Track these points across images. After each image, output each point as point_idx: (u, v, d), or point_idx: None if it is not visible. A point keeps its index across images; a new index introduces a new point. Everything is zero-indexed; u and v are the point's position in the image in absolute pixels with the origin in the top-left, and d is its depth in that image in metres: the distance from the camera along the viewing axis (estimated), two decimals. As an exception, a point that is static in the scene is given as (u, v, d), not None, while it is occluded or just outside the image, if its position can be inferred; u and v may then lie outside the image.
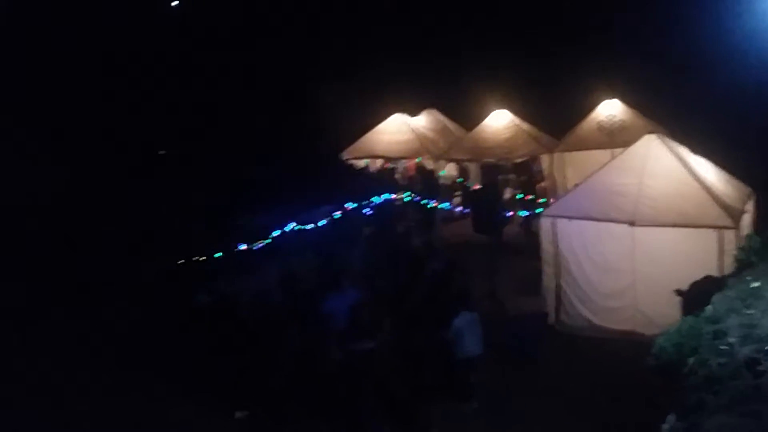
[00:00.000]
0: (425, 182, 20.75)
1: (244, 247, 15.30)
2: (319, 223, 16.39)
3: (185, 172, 19.00)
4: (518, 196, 19.90)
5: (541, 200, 19.06)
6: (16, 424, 9.41)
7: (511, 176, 22.36)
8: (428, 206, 18.75)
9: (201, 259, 14.75)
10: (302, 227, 16.20)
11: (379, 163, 23.18)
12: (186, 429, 9.80)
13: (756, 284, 8.24)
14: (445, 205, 19.62)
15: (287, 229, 15.71)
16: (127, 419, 9.90)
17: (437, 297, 11.27)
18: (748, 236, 11.24)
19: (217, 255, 14.76)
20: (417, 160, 22.73)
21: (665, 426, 6.19)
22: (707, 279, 10.57)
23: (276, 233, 15.51)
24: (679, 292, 10.68)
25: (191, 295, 12.49)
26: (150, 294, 13.16)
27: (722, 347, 6.81)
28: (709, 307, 8.08)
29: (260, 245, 15.37)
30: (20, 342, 11.97)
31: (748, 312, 7.38)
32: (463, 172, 22.23)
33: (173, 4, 33.30)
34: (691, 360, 7.06)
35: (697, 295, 9.79)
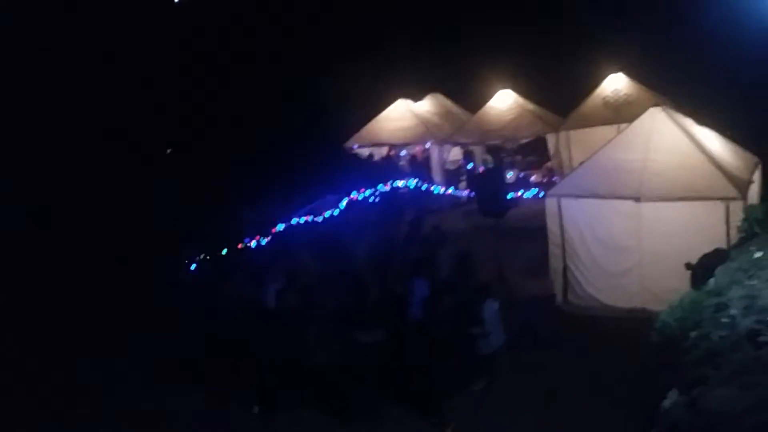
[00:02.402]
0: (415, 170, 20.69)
1: (251, 242, 15.40)
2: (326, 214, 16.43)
3: (190, 168, 19.17)
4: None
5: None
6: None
7: (518, 157, 22.23)
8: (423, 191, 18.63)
9: (215, 254, 14.91)
10: (309, 219, 16.24)
11: (384, 150, 23.03)
12: (208, 422, 10.01)
13: (759, 254, 8.11)
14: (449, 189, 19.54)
15: (292, 221, 15.76)
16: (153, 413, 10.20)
17: (458, 285, 11.21)
18: (751, 207, 11.03)
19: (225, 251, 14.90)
20: (427, 146, 22.51)
21: (667, 402, 6.10)
22: (717, 251, 10.42)
23: (281, 226, 15.57)
24: (688, 266, 10.53)
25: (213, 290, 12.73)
26: (170, 291, 13.40)
27: (724, 320, 6.71)
28: (712, 280, 7.96)
29: (267, 239, 15.45)
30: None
31: (750, 283, 7.27)
32: (469, 155, 22.04)
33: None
34: (693, 334, 6.97)
35: (706, 268, 9.66)
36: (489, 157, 20.93)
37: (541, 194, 15.77)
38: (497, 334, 10.11)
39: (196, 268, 14.92)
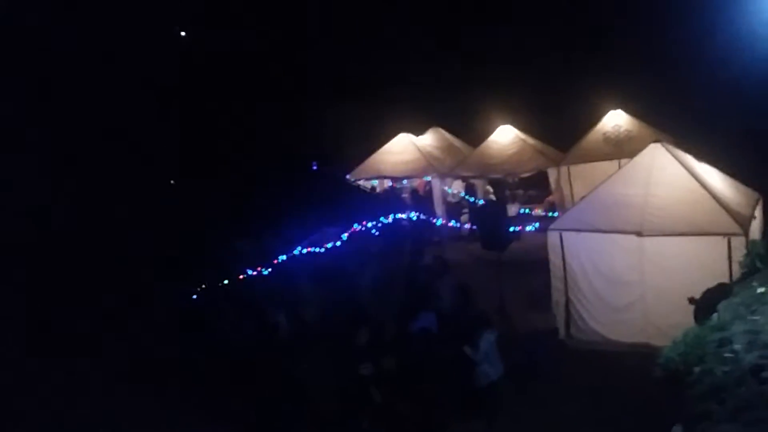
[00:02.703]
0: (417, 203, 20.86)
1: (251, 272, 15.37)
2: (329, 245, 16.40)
3: (193, 198, 19.24)
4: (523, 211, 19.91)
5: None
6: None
7: (519, 191, 22.39)
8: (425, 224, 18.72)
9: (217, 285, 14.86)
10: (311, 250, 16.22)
11: (386, 183, 23.21)
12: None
13: (762, 290, 8.13)
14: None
15: (294, 252, 15.74)
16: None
17: (458, 316, 11.21)
18: (752, 242, 11.07)
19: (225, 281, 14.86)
20: (425, 179, 22.77)
21: (671, 437, 6.08)
22: (720, 286, 10.42)
23: (282, 257, 15.55)
24: (691, 300, 10.53)
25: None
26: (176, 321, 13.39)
27: (727, 355, 6.70)
28: (715, 315, 7.97)
29: (267, 270, 15.42)
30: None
31: (754, 318, 7.28)
32: (471, 189, 22.21)
33: (182, 33, 34.01)
34: (697, 369, 6.96)
35: (710, 303, 9.66)
36: (491, 189, 21.10)
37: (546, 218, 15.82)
38: (495, 365, 10.01)
39: (195, 296, 14.87)
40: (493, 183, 21.76)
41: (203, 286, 14.82)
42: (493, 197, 20.43)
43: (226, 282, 14.83)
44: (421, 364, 9.86)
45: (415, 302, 11.65)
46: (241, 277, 15.06)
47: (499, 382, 10.08)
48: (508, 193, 21.73)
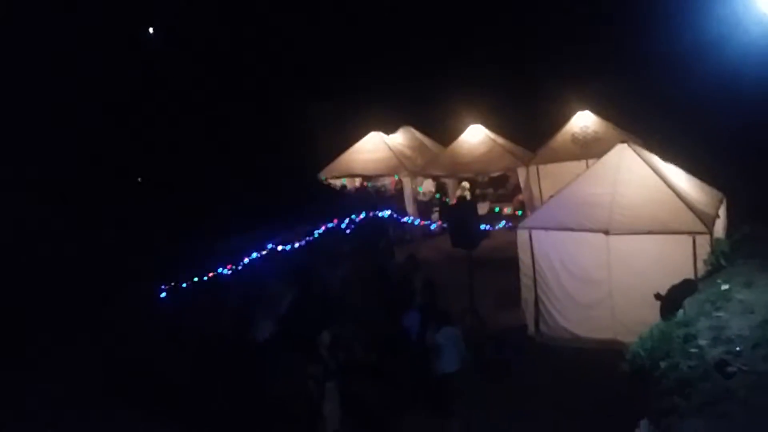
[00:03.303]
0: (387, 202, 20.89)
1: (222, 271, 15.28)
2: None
3: (162, 196, 19.02)
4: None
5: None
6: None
7: (489, 190, 22.58)
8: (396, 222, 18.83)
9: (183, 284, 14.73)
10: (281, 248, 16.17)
11: (357, 181, 23.22)
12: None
13: (725, 287, 8.33)
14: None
15: (265, 251, 15.68)
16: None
17: (423, 312, 11.30)
18: (717, 240, 11.34)
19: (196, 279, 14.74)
20: (395, 177, 22.85)
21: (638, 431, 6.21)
22: (686, 282, 10.63)
23: (254, 255, 15.47)
24: (657, 296, 10.72)
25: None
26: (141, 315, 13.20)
27: (692, 350, 6.87)
28: (681, 311, 8.15)
29: (238, 269, 15.33)
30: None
31: (718, 314, 7.47)
32: (441, 187, 22.33)
33: (150, 30, 33.58)
34: (663, 364, 7.11)
35: (675, 299, 9.85)
36: (467, 185, 21.22)
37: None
38: (447, 361, 9.99)
39: (166, 296, 14.71)
40: (461, 182, 21.92)
41: (173, 285, 14.69)
42: (468, 194, 20.56)
43: (196, 280, 14.73)
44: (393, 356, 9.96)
45: (402, 301, 11.73)
46: (211, 275, 14.97)
47: (449, 378, 10.04)
48: (478, 192, 21.90)
